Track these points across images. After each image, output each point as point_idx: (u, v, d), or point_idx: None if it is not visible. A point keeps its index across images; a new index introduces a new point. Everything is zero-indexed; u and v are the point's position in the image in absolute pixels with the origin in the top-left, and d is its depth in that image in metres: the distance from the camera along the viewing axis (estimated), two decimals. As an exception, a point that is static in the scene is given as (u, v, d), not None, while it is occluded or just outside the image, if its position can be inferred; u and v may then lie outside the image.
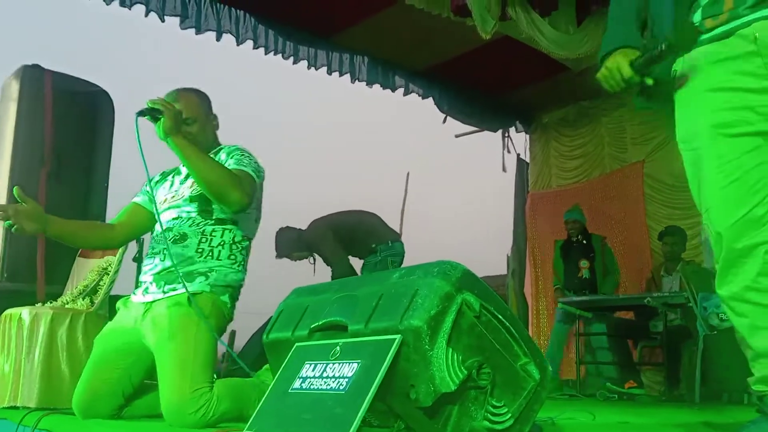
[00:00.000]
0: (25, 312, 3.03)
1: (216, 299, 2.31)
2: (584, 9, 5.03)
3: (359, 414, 1.30)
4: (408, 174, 7.29)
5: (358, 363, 1.43)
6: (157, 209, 2.43)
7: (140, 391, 2.38)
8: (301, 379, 1.56)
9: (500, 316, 1.49)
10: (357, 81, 6.01)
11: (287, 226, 4.82)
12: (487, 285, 1.52)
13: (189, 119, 2.41)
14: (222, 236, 2.37)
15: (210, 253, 2.34)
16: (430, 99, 6.59)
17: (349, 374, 1.43)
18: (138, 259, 3.87)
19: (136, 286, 2.44)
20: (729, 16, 1.62)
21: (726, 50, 1.63)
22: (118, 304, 2.48)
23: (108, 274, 3.29)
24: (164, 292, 2.29)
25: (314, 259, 4.85)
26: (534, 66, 6.01)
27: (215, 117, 2.55)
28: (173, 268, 2.28)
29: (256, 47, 5.29)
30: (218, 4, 5.02)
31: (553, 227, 7.01)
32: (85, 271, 3.50)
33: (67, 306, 3.22)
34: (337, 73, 5.85)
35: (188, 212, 2.38)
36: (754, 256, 1.57)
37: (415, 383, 1.39)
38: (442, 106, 6.70)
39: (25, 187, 4.22)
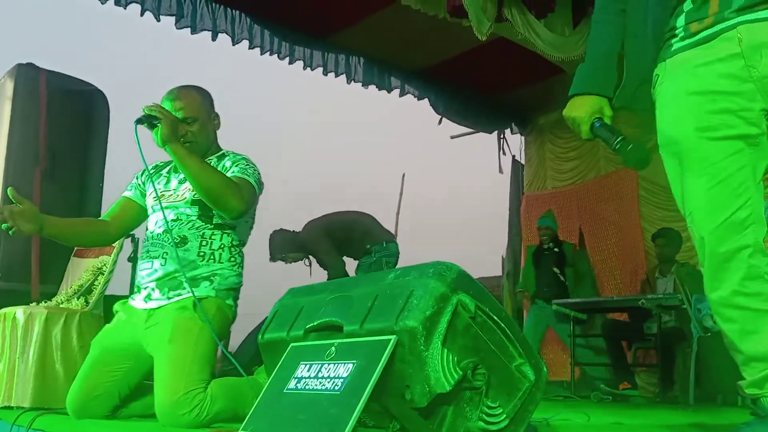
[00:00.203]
0: (19, 311, 3.02)
1: (221, 303, 2.33)
2: (580, 11, 5.05)
3: (354, 414, 1.30)
4: (404, 175, 7.29)
5: (353, 363, 1.43)
6: (159, 200, 2.40)
7: (136, 392, 2.38)
8: (297, 380, 1.56)
9: (495, 317, 1.49)
10: (353, 82, 6.01)
11: (281, 228, 4.82)
12: (483, 286, 1.52)
13: (189, 118, 2.41)
14: (221, 240, 2.38)
15: (212, 257, 2.35)
16: (426, 100, 6.59)
17: (345, 375, 1.43)
18: (133, 259, 3.87)
19: (135, 291, 2.42)
20: (714, 20, 1.62)
21: (709, 54, 1.63)
22: (117, 306, 2.48)
23: (103, 274, 3.28)
24: (169, 299, 2.30)
25: (310, 261, 4.85)
26: (530, 68, 6.02)
27: (217, 116, 2.55)
28: (177, 274, 2.29)
29: (251, 47, 5.28)
30: (214, 4, 5.01)
31: (548, 229, 7.03)
32: (80, 270, 3.50)
33: (61, 306, 3.22)
34: (333, 74, 5.85)
35: (188, 215, 2.37)
36: (737, 260, 1.56)
37: (410, 384, 1.39)
38: (438, 108, 6.70)
39: (20, 186, 4.22)
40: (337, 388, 1.41)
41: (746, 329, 1.58)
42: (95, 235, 2.50)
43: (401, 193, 7.06)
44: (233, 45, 5.18)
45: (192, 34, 4.92)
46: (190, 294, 2.25)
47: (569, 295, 5.59)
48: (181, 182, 2.44)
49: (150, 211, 2.48)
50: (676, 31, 1.70)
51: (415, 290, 1.43)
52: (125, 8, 4.65)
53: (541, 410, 2.25)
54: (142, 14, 4.66)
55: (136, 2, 4.62)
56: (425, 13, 4.83)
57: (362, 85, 6.11)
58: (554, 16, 4.96)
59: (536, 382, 1.51)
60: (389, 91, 6.30)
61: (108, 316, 3.23)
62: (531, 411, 1.52)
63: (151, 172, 2.55)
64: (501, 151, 7.52)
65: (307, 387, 1.51)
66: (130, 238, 3.30)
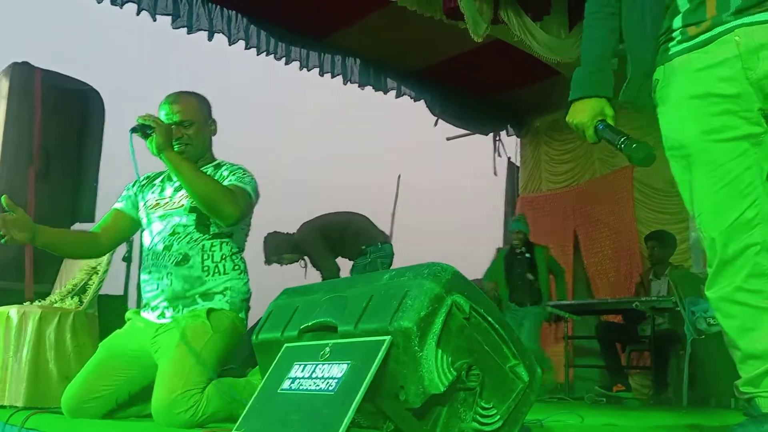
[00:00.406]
0: (13, 311, 3.01)
1: (234, 317, 2.35)
2: (576, 14, 5.06)
3: (348, 415, 1.30)
4: (399, 176, 7.29)
5: (347, 364, 1.43)
6: (148, 214, 2.43)
7: (134, 399, 2.37)
8: (291, 380, 1.56)
9: (490, 318, 1.49)
10: (349, 83, 6.01)
11: (275, 231, 4.82)
12: (477, 287, 1.53)
13: (186, 121, 2.42)
14: (221, 249, 2.39)
15: (216, 269, 2.36)
16: (422, 101, 6.60)
17: (339, 375, 1.43)
18: (127, 259, 3.86)
19: (145, 307, 2.42)
20: (712, 23, 1.64)
21: (708, 57, 1.64)
22: (129, 314, 2.49)
23: (97, 274, 3.27)
24: (182, 314, 2.32)
25: (305, 262, 4.84)
26: (526, 70, 6.03)
27: (214, 122, 2.55)
28: (188, 292, 2.32)
29: (248, 48, 5.28)
30: (210, 4, 5.01)
31: (543, 231, 7.03)
32: (74, 270, 3.49)
33: (55, 305, 3.21)
34: (329, 75, 5.85)
35: (184, 226, 2.38)
36: (744, 257, 1.58)
37: (404, 384, 1.39)
38: (434, 109, 6.71)
39: (14, 185, 4.21)
40: (331, 388, 1.41)
41: (746, 326, 1.59)
42: (86, 247, 2.51)
43: (397, 194, 7.05)
44: (229, 45, 5.18)
45: (188, 34, 4.92)
46: (204, 306, 2.29)
47: (542, 299, 5.65)
48: (176, 190, 2.44)
49: (144, 221, 2.48)
50: (673, 34, 1.71)
51: (410, 291, 1.43)
52: (121, 7, 4.64)
53: (535, 412, 2.26)
54: (138, 14, 4.65)
55: (132, 2, 4.61)
56: (422, 15, 4.83)
57: (359, 86, 6.11)
58: (550, 18, 4.97)
59: (530, 384, 1.51)
60: (385, 92, 6.31)
61: (102, 315, 3.23)
62: (525, 412, 1.52)
63: (143, 183, 2.56)
64: (496, 152, 7.53)
65: (301, 387, 1.51)
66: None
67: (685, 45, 1.69)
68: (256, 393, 1.65)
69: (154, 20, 4.70)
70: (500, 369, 1.48)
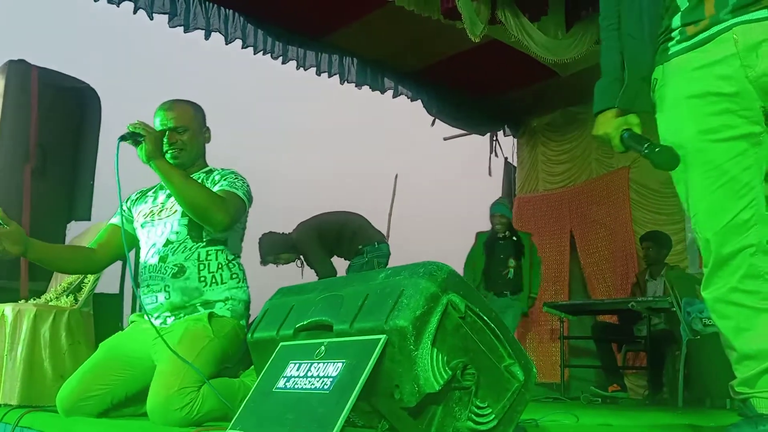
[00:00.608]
0: (8, 309, 3.00)
1: (236, 324, 2.37)
2: (574, 14, 5.07)
3: (343, 414, 1.30)
4: (396, 176, 7.29)
5: (342, 363, 1.43)
6: (143, 224, 2.46)
7: (130, 400, 2.37)
8: (286, 379, 1.55)
9: (485, 318, 1.49)
10: (346, 82, 6.01)
11: (270, 231, 4.81)
12: (473, 286, 1.53)
13: (180, 127, 2.44)
14: (217, 258, 2.41)
15: (213, 280, 2.38)
16: (419, 101, 6.60)
17: (334, 374, 1.42)
18: (123, 258, 3.84)
19: (142, 311, 2.43)
20: (709, 22, 1.64)
21: (706, 56, 1.64)
22: (133, 317, 2.51)
23: (92, 272, 3.26)
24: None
25: (301, 262, 4.84)
26: (523, 70, 6.03)
27: (208, 129, 2.57)
28: (188, 302, 2.34)
29: (245, 47, 5.27)
30: (207, 3, 5.00)
31: (540, 231, 7.05)
32: (70, 268, 3.47)
33: (50, 303, 3.20)
34: (326, 74, 5.84)
35: (177, 233, 2.38)
36: (739, 258, 1.58)
37: (399, 383, 1.39)
38: (431, 109, 6.71)
39: (9, 183, 4.20)
40: (326, 387, 1.41)
41: (741, 326, 1.59)
42: (80, 263, 2.52)
43: (393, 194, 7.05)
44: (226, 44, 5.16)
45: (185, 32, 4.91)
46: (206, 311, 2.31)
47: (522, 288, 5.38)
48: (168, 197, 2.46)
49: (139, 233, 2.50)
50: (672, 34, 1.71)
51: (406, 290, 1.43)
52: (118, 6, 4.63)
53: (530, 411, 2.26)
54: (134, 12, 4.64)
55: (129, 0, 4.60)
56: (419, 15, 4.83)
57: (356, 86, 6.10)
58: (547, 19, 4.98)
59: (525, 383, 1.51)
60: (382, 92, 6.31)
61: (97, 314, 3.22)
62: (520, 411, 1.52)
63: (136, 197, 2.59)
64: (493, 153, 7.53)
65: (296, 386, 1.51)
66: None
67: (683, 45, 1.69)
68: (251, 392, 1.64)
69: (151, 19, 4.69)
70: (495, 368, 1.48)
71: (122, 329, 2.75)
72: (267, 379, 1.63)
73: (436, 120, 6.87)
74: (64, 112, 4.53)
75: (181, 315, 2.34)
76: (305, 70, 5.72)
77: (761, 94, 1.60)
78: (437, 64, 6.12)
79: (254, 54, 5.37)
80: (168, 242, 2.39)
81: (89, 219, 4.48)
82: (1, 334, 2.95)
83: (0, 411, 2.44)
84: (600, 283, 6.56)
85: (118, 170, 2.23)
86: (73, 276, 3.35)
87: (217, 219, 2.25)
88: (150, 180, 2.51)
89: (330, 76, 5.88)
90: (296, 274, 4.80)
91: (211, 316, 2.30)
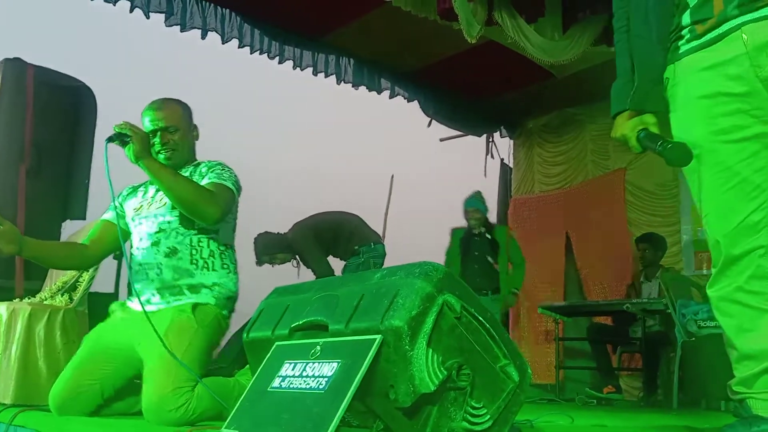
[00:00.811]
0: (2, 307, 3.00)
1: (218, 313, 2.37)
2: (570, 16, 5.07)
3: (338, 414, 1.30)
4: (392, 176, 7.29)
5: (338, 363, 1.43)
6: (134, 217, 2.47)
7: (120, 393, 2.37)
8: (281, 378, 1.55)
9: (481, 318, 1.49)
10: (343, 82, 6.00)
11: (266, 231, 4.81)
12: (468, 287, 1.53)
13: (172, 127, 2.47)
14: (209, 246, 2.43)
15: (205, 265, 2.40)
16: (416, 102, 6.60)
17: (329, 374, 1.42)
18: (118, 257, 3.84)
19: (131, 294, 2.44)
20: (717, 20, 1.63)
21: (715, 56, 1.63)
22: (115, 306, 2.50)
23: (87, 271, 3.26)
24: (168, 303, 2.34)
25: (297, 262, 4.83)
26: (519, 71, 6.04)
27: (196, 128, 2.60)
28: (177, 281, 2.35)
29: (241, 46, 5.26)
30: (204, 2, 4.99)
31: (536, 232, 7.06)
32: (65, 267, 3.47)
33: (45, 302, 3.19)
34: (322, 74, 5.84)
35: (169, 222, 2.40)
36: (748, 259, 1.58)
37: (394, 383, 1.39)
38: (428, 110, 6.71)
39: (4, 182, 4.18)
40: (321, 387, 1.41)
41: (744, 326, 1.59)
42: (74, 259, 2.54)
43: (389, 195, 7.05)
44: (223, 43, 5.16)
45: (181, 31, 4.90)
46: (190, 301, 2.31)
47: (500, 286, 5.13)
48: (158, 190, 2.47)
49: (131, 225, 2.51)
50: (682, 32, 1.70)
51: (401, 290, 1.43)
52: (114, 5, 4.63)
53: (525, 412, 2.26)
54: (131, 11, 4.63)
55: (126, -1, 4.59)
56: (416, 15, 4.83)
57: (352, 86, 6.10)
58: (544, 20, 4.98)
59: (520, 384, 1.51)
60: (379, 92, 6.30)
61: (92, 312, 3.22)
62: (515, 412, 1.52)
63: (127, 193, 2.61)
64: (489, 154, 7.53)
65: (291, 386, 1.50)
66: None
67: (693, 44, 1.68)
68: (246, 391, 1.64)
69: (148, 18, 4.68)
70: (491, 369, 1.48)
71: None
72: (262, 378, 1.62)
73: (433, 121, 6.88)
74: (59, 110, 4.52)
75: (167, 296, 2.34)
76: (302, 70, 5.71)
77: None
78: (434, 64, 6.12)
79: (251, 53, 5.36)
80: (160, 230, 2.41)
81: (84, 218, 4.47)
82: (-4, 333, 2.93)
83: (-6, 410, 2.43)
84: (596, 285, 6.57)
85: (108, 171, 2.25)
86: (68, 275, 3.34)
87: (208, 212, 2.28)
88: (142, 177, 2.52)
89: (327, 76, 5.87)
90: (294, 273, 4.81)
91: (194, 306, 2.30)
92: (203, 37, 5.00)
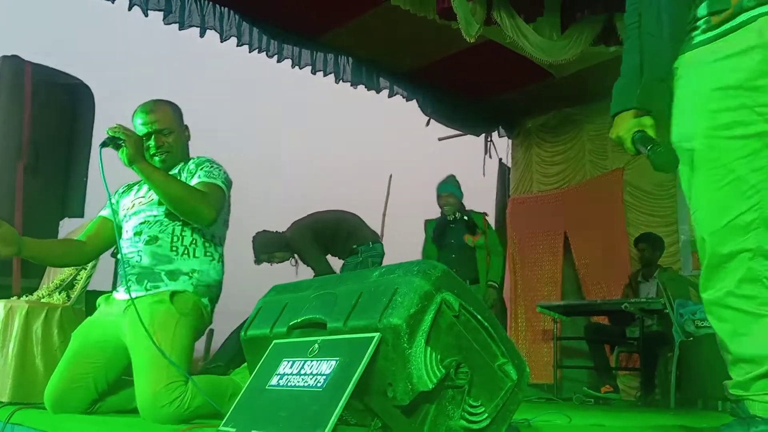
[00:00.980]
0: (-1, 305, 2.99)
1: (197, 300, 2.36)
2: (569, 16, 5.08)
3: (336, 411, 1.30)
4: (390, 176, 7.29)
5: (336, 360, 1.43)
6: (117, 219, 2.50)
7: (114, 387, 2.37)
8: (279, 376, 1.55)
9: (479, 316, 1.49)
10: (341, 81, 6.00)
11: (264, 230, 4.81)
12: (467, 285, 1.53)
13: (165, 129, 2.49)
14: (192, 235, 2.42)
15: (186, 252, 2.39)
16: (414, 101, 6.60)
17: (327, 372, 1.42)
18: (115, 255, 3.84)
19: (116, 284, 2.46)
20: (735, 11, 1.58)
21: (727, 47, 1.58)
22: (100, 300, 2.51)
23: (85, 269, 3.25)
24: (146, 290, 2.32)
25: (296, 261, 4.83)
26: (518, 71, 6.04)
27: (187, 128, 2.61)
28: (155, 267, 2.34)
29: (239, 45, 5.26)
30: (203, 0, 4.99)
31: (534, 232, 7.07)
32: (62, 265, 3.46)
33: (43, 300, 3.18)
34: (321, 73, 5.84)
35: (155, 216, 2.42)
36: (737, 261, 1.55)
37: (392, 381, 1.38)
38: (426, 109, 6.71)
39: (2, 179, 4.17)
40: (319, 385, 1.41)
41: (738, 331, 1.57)
42: (72, 256, 2.56)
43: (388, 194, 7.06)
44: (221, 42, 5.15)
45: (180, 29, 4.89)
46: (167, 288, 2.30)
47: (480, 276, 4.82)
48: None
49: (123, 222, 2.53)
50: (698, 23, 1.66)
51: (400, 288, 1.42)
52: (113, 2, 4.62)
53: (523, 411, 2.26)
54: (129, 8, 4.62)
55: (125, -3, 4.58)
56: (415, 15, 4.83)
57: (351, 85, 6.10)
58: (543, 20, 4.98)
59: (518, 382, 1.51)
60: (378, 91, 6.30)
61: (90, 311, 3.21)
62: (513, 410, 1.52)
63: (123, 191, 2.63)
64: (487, 154, 7.54)
65: (289, 384, 1.50)
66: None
67: (707, 35, 1.63)
68: (243, 389, 1.64)
69: (146, 15, 4.67)
70: (489, 367, 1.48)
71: None
72: (260, 376, 1.62)
73: (431, 120, 6.88)
74: (57, 108, 4.51)
75: (145, 282, 2.33)
76: (300, 68, 5.71)
77: None
78: (432, 64, 6.12)
79: (249, 52, 5.36)
80: (145, 221, 2.43)
81: (82, 216, 4.47)
82: (-7, 331, 2.93)
83: (-9, 408, 2.42)
84: (594, 285, 6.58)
85: (104, 175, 2.25)
86: (66, 273, 3.33)
87: (203, 214, 2.29)
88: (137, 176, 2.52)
89: (325, 75, 5.87)
90: (291, 272, 4.81)
91: (172, 294, 2.29)
92: (201, 35, 5.00)
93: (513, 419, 1.55)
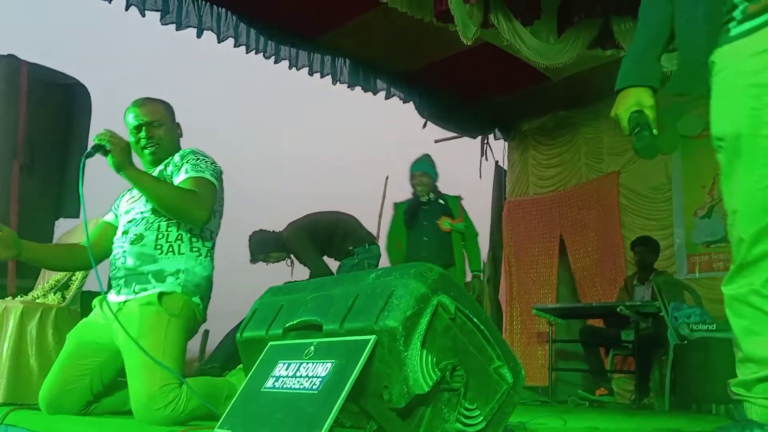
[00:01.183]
0: (-6, 305, 2.98)
1: (187, 300, 2.33)
2: (566, 20, 5.08)
3: (332, 414, 1.30)
4: (387, 177, 7.29)
5: (332, 363, 1.43)
6: (120, 215, 2.50)
7: (109, 389, 2.36)
8: (274, 379, 1.55)
9: (475, 319, 1.49)
10: (338, 83, 6.00)
11: (261, 229, 4.80)
12: (463, 288, 1.53)
13: (156, 121, 2.49)
14: (178, 230, 2.39)
15: (171, 249, 2.36)
16: (411, 103, 6.61)
17: (323, 374, 1.42)
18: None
19: (109, 287, 2.45)
20: None
21: (765, 41, 1.52)
22: (95, 301, 2.49)
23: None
24: (135, 293, 2.31)
25: (292, 261, 4.83)
26: (515, 74, 6.05)
27: (178, 125, 2.61)
28: (140, 268, 2.31)
29: (237, 45, 5.26)
30: (200, 1, 4.98)
31: (530, 235, 7.07)
32: (57, 265, 3.45)
33: (38, 300, 3.18)
34: (318, 74, 5.84)
35: (142, 213, 2.41)
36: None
37: (388, 384, 1.39)
38: (423, 111, 6.71)
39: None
40: (315, 387, 1.41)
41: (753, 329, 1.55)
42: (73, 261, 2.57)
43: (384, 196, 7.07)
44: (218, 42, 5.15)
45: (177, 30, 4.88)
46: (156, 290, 2.27)
47: (455, 262, 4.54)
48: None
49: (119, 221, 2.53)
50: (734, 13, 1.60)
51: (396, 290, 1.43)
52: (110, 2, 4.61)
53: (518, 414, 2.26)
54: (126, 8, 4.61)
55: (121, -3, 4.57)
56: (412, 17, 4.83)
57: (348, 87, 6.10)
58: (540, 23, 4.99)
59: (514, 385, 1.51)
60: (375, 93, 6.30)
61: (85, 312, 3.21)
62: (508, 413, 1.52)
63: (124, 194, 2.62)
64: (483, 156, 7.54)
65: (284, 386, 1.50)
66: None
67: (743, 27, 1.57)
68: (239, 391, 1.64)
69: (143, 16, 4.66)
70: (484, 370, 1.48)
71: None
72: (255, 378, 1.62)
73: (428, 122, 6.88)
74: (53, 108, 4.51)
75: (132, 284, 2.30)
76: (297, 70, 5.71)
77: None
78: (430, 66, 6.13)
79: (246, 53, 5.35)
80: (132, 220, 2.42)
81: (78, 216, 4.45)
82: (-13, 331, 2.92)
83: (-15, 408, 2.42)
84: (589, 287, 6.59)
85: (82, 186, 2.28)
86: (61, 273, 3.33)
87: (195, 216, 2.29)
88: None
89: (322, 76, 5.87)
90: (287, 272, 4.80)
91: (160, 296, 2.26)
92: (199, 35, 4.99)
93: (508, 422, 1.55)
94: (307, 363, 1.49)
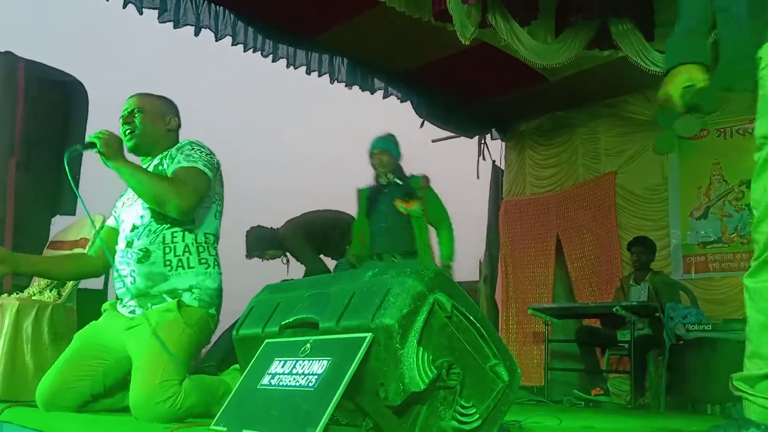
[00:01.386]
0: (-10, 302, 2.98)
1: (204, 313, 2.33)
2: (563, 20, 5.09)
3: (327, 411, 1.30)
4: (384, 177, 7.29)
5: (328, 360, 1.43)
6: (118, 216, 2.48)
7: (109, 391, 2.36)
8: (270, 376, 1.55)
9: (471, 318, 1.49)
10: (336, 82, 6.00)
11: (258, 225, 4.80)
12: (459, 286, 1.53)
13: (135, 110, 2.45)
14: (184, 239, 2.36)
15: (180, 264, 2.33)
16: (409, 103, 6.61)
17: (319, 371, 1.42)
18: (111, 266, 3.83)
19: (118, 302, 2.42)
20: None
21: None
22: (106, 305, 2.47)
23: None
24: (151, 307, 2.30)
25: (287, 259, 4.83)
26: (512, 74, 6.05)
27: (173, 118, 2.56)
28: (152, 290, 2.30)
29: (234, 44, 5.25)
30: (198, -1, 4.98)
31: (526, 235, 7.08)
32: (53, 262, 3.44)
33: (33, 298, 3.17)
34: (316, 73, 5.84)
35: (142, 218, 2.37)
36: None
37: (384, 382, 1.39)
38: (420, 111, 6.72)
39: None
40: (311, 384, 1.41)
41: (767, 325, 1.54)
42: (78, 270, 2.57)
43: (381, 195, 7.05)
44: (216, 41, 5.14)
45: (174, 28, 4.88)
46: (174, 300, 2.27)
47: (419, 250, 4.05)
48: None
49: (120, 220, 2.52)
50: None
51: (393, 288, 1.43)
52: (107, 0, 4.60)
53: (513, 413, 2.26)
54: (124, 6, 4.61)
55: (119, -6, 4.57)
56: (410, 16, 4.84)
57: (345, 86, 6.10)
58: (537, 23, 5.00)
59: (510, 383, 1.51)
60: (372, 92, 6.30)
61: (80, 308, 3.20)
62: (504, 412, 1.52)
63: (122, 195, 2.60)
64: (481, 156, 7.55)
65: (280, 383, 1.50)
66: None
67: None
68: (235, 388, 1.64)
69: (141, 14, 4.66)
70: (481, 368, 1.48)
71: None
72: (252, 376, 1.62)
73: (425, 122, 6.89)
74: (50, 105, 4.50)
75: (147, 305, 2.28)
76: (295, 68, 5.71)
77: None
78: (427, 65, 6.13)
79: (244, 51, 5.35)
80: (134, 227, 2.37)
81: (74, 214, 4.45)
82: (-17, 328, 2.92)
83: (-20, 405, 2.41)
84: (585, 287, 6.60)
85: (72, 179, 2.30)
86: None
87: (172, 206, 2.22)
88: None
89: (320, 75, 5.87)
90: (283, 270, 4.80)
91: (179, 304, 2.26)
92: (196, 34, 4.99)
93: (504, 421, 1.56)
94: (304, 360, 1.49)
